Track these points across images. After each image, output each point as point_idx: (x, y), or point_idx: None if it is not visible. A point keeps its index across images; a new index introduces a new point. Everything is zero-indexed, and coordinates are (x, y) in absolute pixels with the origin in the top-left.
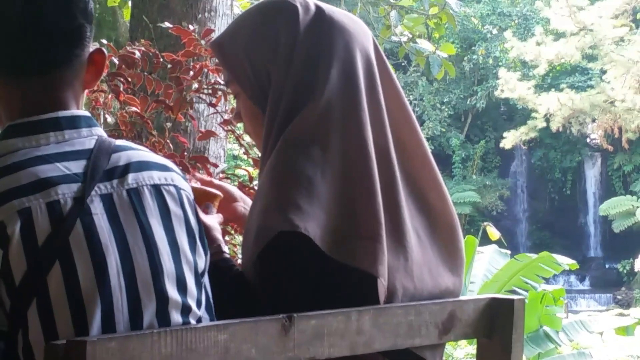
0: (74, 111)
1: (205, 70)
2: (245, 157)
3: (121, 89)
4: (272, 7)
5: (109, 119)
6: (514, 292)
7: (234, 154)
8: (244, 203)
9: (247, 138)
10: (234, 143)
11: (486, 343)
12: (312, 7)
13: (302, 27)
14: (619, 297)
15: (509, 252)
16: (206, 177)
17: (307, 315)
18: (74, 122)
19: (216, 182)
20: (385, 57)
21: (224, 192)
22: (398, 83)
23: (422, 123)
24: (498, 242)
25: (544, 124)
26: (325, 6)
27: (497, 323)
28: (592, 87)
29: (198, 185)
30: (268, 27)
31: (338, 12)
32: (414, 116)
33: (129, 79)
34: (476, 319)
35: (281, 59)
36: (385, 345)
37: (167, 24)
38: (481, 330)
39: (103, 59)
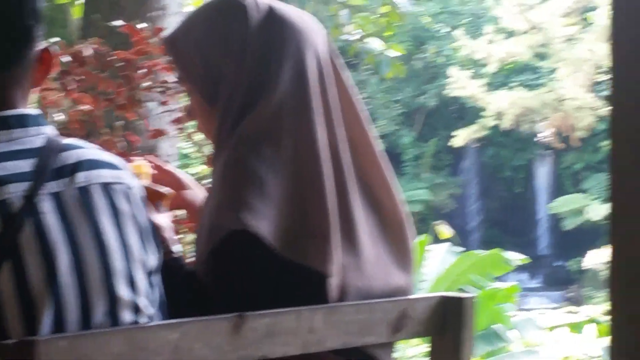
0: (22, 110)
1: (156, 68)
2: (196, 155)
3: (72, 87)
4: (222, 5)
5: (60, 117)
6: (464, 290)
7: (185, 153)
8: (193, 190)
9: (198, 136)
10: (186, 141)
11: (438, 341)
12: (263, 6)
13: (253, 25)
14: (570, 295)
15: (461, 249)
16: (157, 161)
17: (259, 314)
18: (23, 121)
19: (165, 167)
20: (338, 56)
21: (173, 179)
22: (350, 82)
23: (373, 121)
24: (451, 240)
25: (495, 122)
26: (276, 4)
27: (448, 321)
28: (543, 85)
29: (148, 183)
30: (219, 25)
31: (289, 11)
32: (365, 115)
33: (80, 77)
34: (427, 317)
35: (233, 56)
36: (337, 343)
37: (118, 22)
38: (432, 328)
39: (51, 57)
